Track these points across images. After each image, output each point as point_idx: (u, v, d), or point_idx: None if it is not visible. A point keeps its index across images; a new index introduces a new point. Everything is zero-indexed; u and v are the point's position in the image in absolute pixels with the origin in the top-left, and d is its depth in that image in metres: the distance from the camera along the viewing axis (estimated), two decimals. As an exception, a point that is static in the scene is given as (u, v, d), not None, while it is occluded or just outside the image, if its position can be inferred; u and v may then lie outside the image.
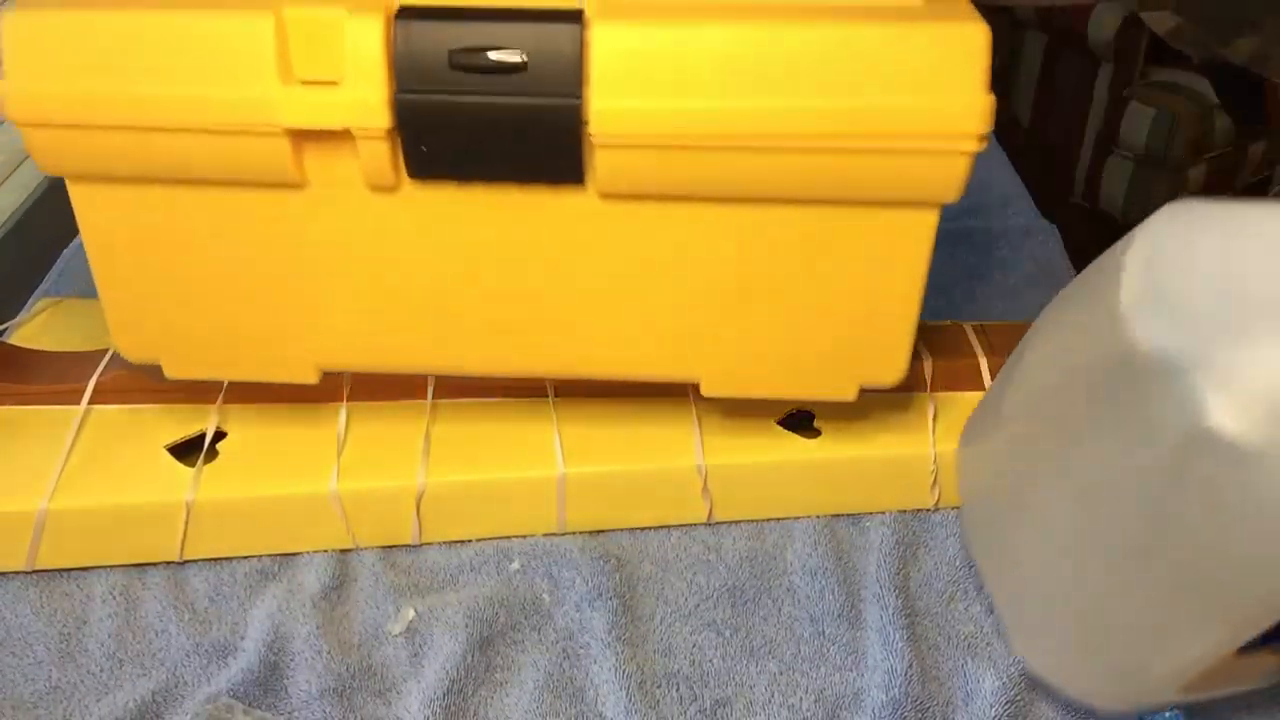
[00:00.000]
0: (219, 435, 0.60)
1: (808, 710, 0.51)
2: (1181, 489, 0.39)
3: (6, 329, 0.69)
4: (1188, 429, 0.38)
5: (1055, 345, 0.47)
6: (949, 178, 0.47)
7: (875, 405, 0.60)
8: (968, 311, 0.74)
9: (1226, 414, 0.37)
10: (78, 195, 0.51)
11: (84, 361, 0.62)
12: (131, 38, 0.46)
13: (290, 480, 0.58)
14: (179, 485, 0.57)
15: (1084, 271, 0.45)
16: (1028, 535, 0.49)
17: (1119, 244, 0.43)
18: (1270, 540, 0.38)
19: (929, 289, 0.76)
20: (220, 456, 0.59)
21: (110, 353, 0.62)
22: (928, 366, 0.61)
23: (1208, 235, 0.40)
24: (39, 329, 0.69)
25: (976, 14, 0.46)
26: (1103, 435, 0.43)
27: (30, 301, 0.74)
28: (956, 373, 0.60)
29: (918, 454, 0.58)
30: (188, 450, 0.59)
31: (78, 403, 0.61)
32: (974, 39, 0.45)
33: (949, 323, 0.65)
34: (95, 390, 0.61)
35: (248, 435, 0.60)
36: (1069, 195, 1.72)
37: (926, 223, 0.50)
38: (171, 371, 0.56)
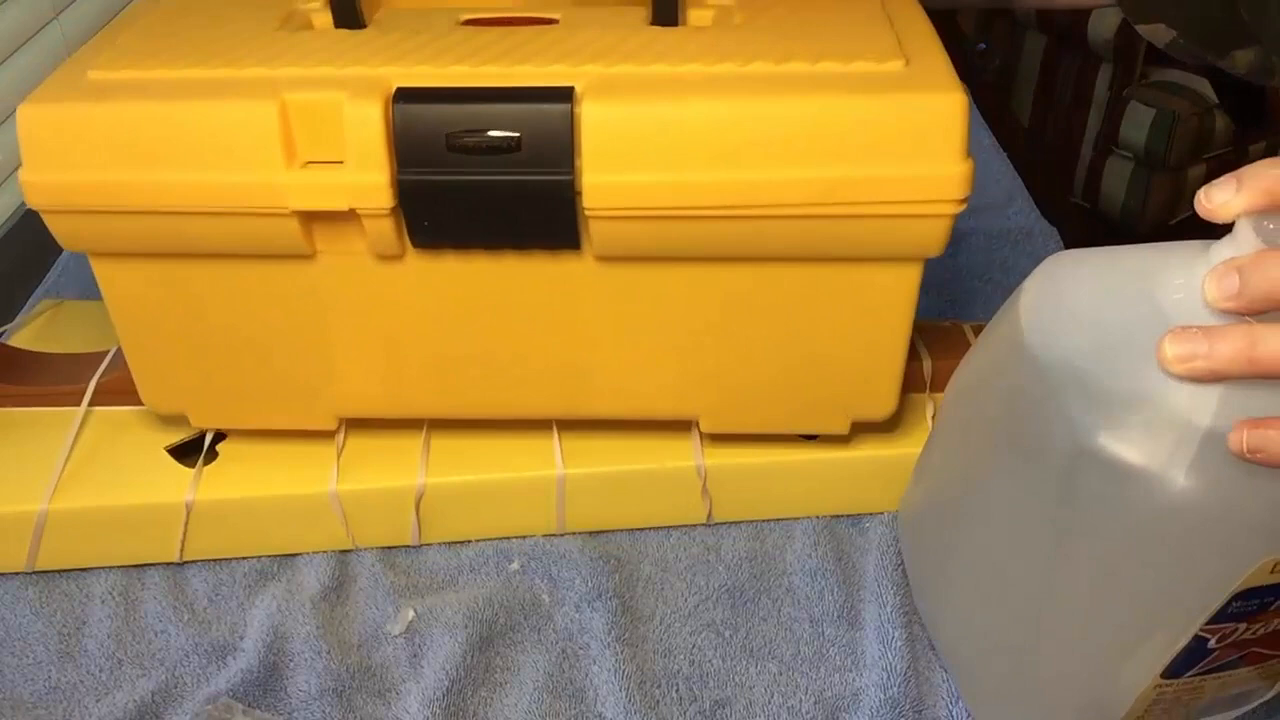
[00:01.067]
0: (219, 436, 0.60)
1: (807, 711, 0.51)
2: (1074, 509, 0.41)
3: (5, 331, 0.69)
4: (1073, 450, 0.40)
5: (965, 401, 0.50)
6: (931, 237, 0.49)
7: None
8: (968, 311, 0.75)
9: (1104, 433, 0.39)
10: (100, 268, 0.53)
11: (84, 363, 0.62)
12: (141, 127, 0.48)
13: (290, 481, 0.58)
14: (179, 486, 0.57)
15: (985, 328, 0.48)
16: (955, 586, 0.51)
17: (1012, 296, 0.46)
18: (1155, 557, 0.40)
19: (929, 288, 0.77)
20: (220, 458, 0.59)
21: (110, 354, 0.62)
22: (927, 366, 0.61)
23: (1087, 278, 0.43)
24: (39, 331, 0.69)
25: (955, 80, 0.47)
26: (1005, 472, 0.45)
27: (30, 303, 0.74)
28: (956, 373, 0.60)
29: (917, 454, 0.58)
30: (187, 452, 0.59)
31: (78, 404, 0.61)
32: (952, 108, 0.46)
33: (949, 323, 0.65)
34: (96, 392, 0.61)
35: (247, 436, 0.60)
36: (1069, 195, 1.72)
37: (910, 275, 0.51)
38: (197, 422, 0.58)
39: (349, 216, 0.49)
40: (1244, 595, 0.40)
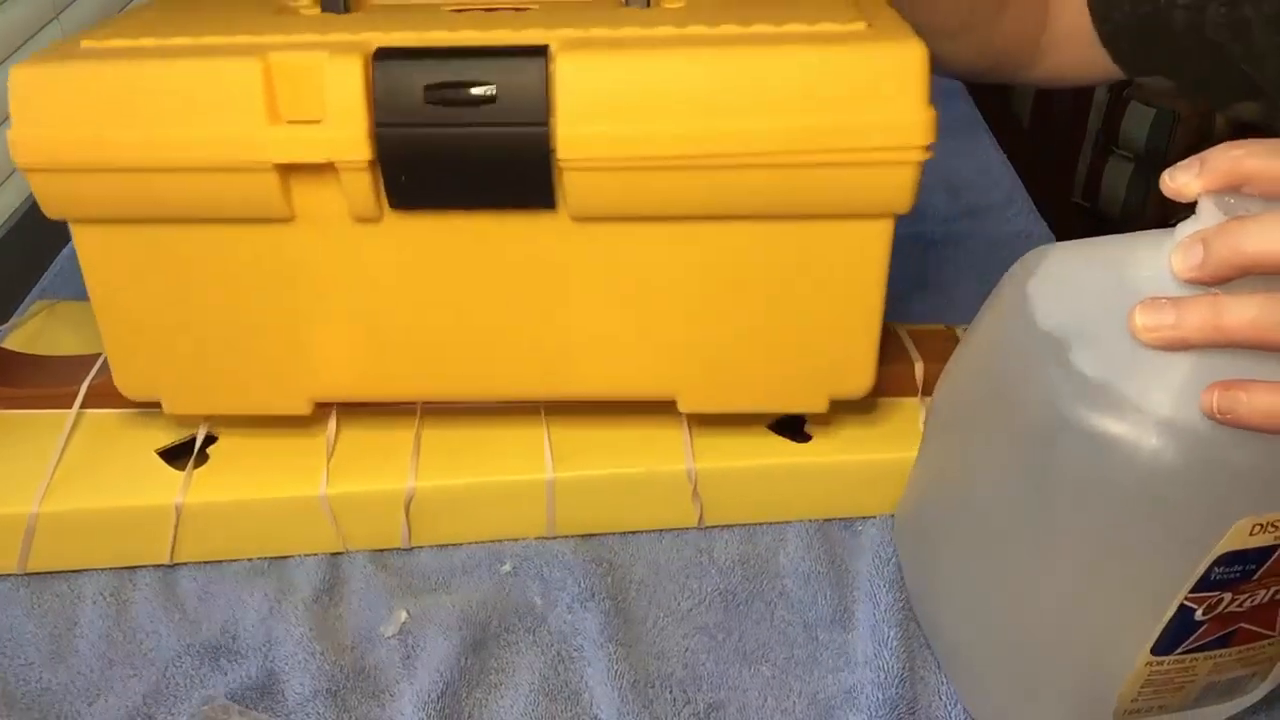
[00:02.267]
0: (209, 439, 0.60)
1: (801, 713, 0.51)
2: (1056, 484, 0.43)
3: None
4: (1053, 424, 0.42)
5: (952, 397, 0.51)
6: (899, 188, 0.50)
7: (867, 409, 0.60)
8: (966, 314, 0.74)
9: (1081, 404, 0.41)
10: (80, 238, 0.53)
11: (77, 365, 0.62)
12: (130, 86, 0.49)
13: (279, 484, 0.58)
14: (169, 489, 0.57)
15: (970, 326, 0.50)
16: (950, 583, 0.52)
17: (995, 289, 0.48)
18: (1136, 523, 0.41)
19: (927, 290, 0.77)
20: (211, 460, 0.59)
21: (103, 357, 0.62)
22: (919, 370, 0.61)
23: (1066, 266, 0.45)
24: (33, 332, 0.69)
25: (915, 34, 0.49)
26: (992, 459, 0.47)
27: (25, 304, 0.74)
28: (950, 375, 0.60)
29: (910, 458, 0.58)
30: (178, 454, 0.59)
31: (70, 406, 0.61)
32: (913, 57, 0.48)
33: (941, 326, 0.65)
34: (88, 394, 0.61)
35: (238, 439, 0.60)
36: (1069, 195, 1.72)
37: (882, 232, 0.52)
38: (171, 408, 0.58)
39: (327, 172, 0.49)
40: (1226, 560, 0.41)
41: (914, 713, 0.51)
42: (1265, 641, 0.46)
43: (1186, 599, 0.42)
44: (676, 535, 0.60)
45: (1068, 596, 0.45)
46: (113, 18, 0.56)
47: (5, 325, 0.70)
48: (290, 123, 0.49)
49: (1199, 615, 0.43)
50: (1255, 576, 0.42)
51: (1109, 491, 0.41)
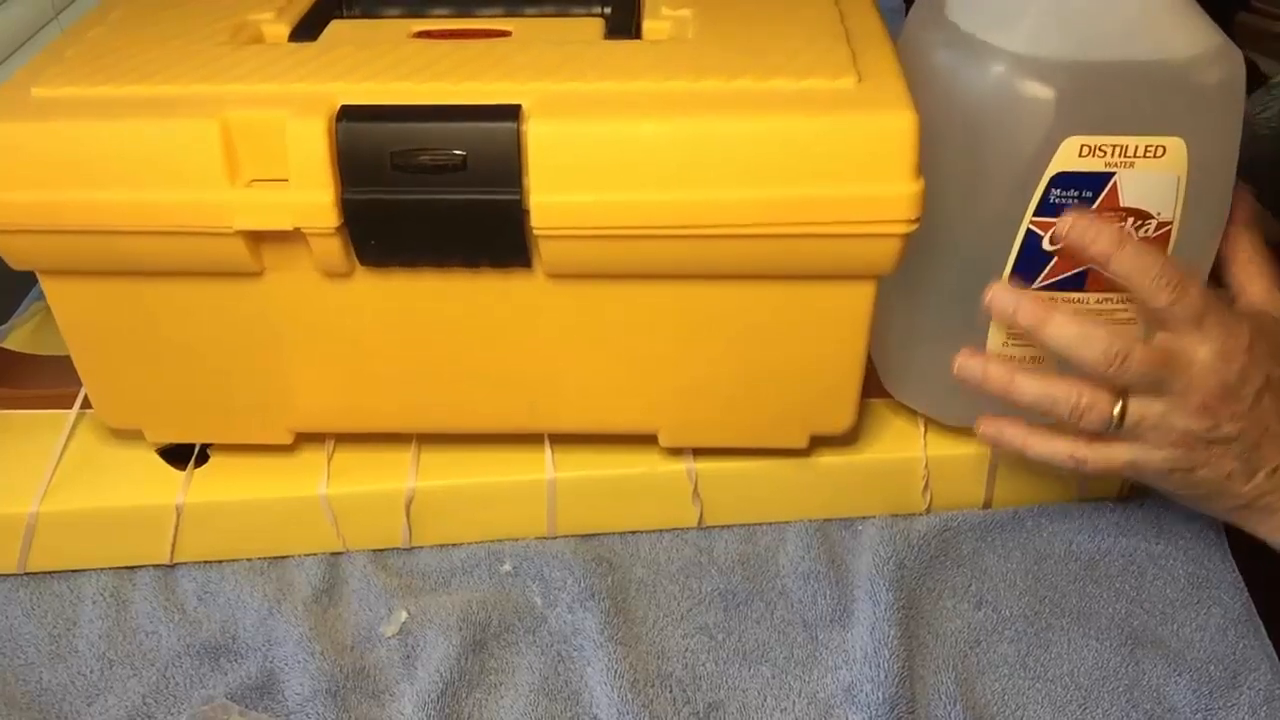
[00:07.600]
0: (210, 438, 0.60)
1: (801, 713, 0.51)
2: (932, 85, 0.49)
3: (-1, 333, 0.69)
4: (924, 64, 0.49)
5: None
6: (882, 257, 0.48)
7: (866, 410, 0.60)
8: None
9: (944, 49, 0.49)
10: (49, 286, 0.52)
11: (77, 365, 0.62)
12: (83, 147, 0.47)
13: (280, 484, 0.58)
14: (170, 489, 0.57)
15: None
16: (888, 305, 0.55)
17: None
18: (981, 138, 0.48)
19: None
20: (211, 460, 0.59)
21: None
22: (920, 369, 0.61)
23: None
24: (32, 333, 0.69)
25: (907, 98, 0.46)
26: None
27: (25, 304, 0.74)
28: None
29: (909, 458, 0.58)
30: (179, 454, 0.59)
31: (70, 407, 0.61)
32: (903, 128, 0.45)
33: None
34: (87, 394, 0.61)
35: (238, 439, 0.60)
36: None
37: (865, 292, 0.51)
38: (153, 437, 0.58)
39: (295, 235, 0.48)
40: (1061, 181, 0.47)
41: (913, 711, 0.51)
42: (1120, 296, 0.49)
43: (1032, 222, 0.47)
44: (676, 535, 0.60)
45: (942, 231, 0.50)
46: (64, 37, 0.54)
47: (5, 325, 0.70)
48: (253, 183, 0.47)
49: (1046, 244, 0.48)
50: (1093, 206, 0.47)
51: (968, 101, 0.48)
